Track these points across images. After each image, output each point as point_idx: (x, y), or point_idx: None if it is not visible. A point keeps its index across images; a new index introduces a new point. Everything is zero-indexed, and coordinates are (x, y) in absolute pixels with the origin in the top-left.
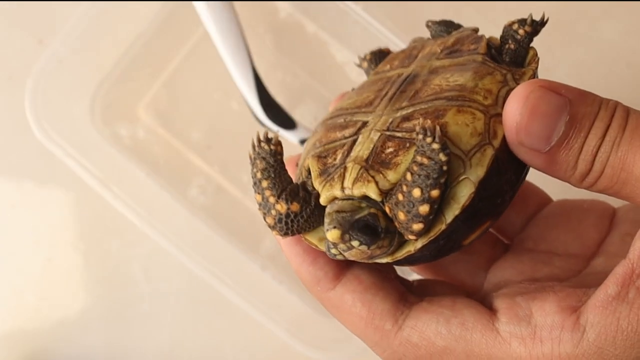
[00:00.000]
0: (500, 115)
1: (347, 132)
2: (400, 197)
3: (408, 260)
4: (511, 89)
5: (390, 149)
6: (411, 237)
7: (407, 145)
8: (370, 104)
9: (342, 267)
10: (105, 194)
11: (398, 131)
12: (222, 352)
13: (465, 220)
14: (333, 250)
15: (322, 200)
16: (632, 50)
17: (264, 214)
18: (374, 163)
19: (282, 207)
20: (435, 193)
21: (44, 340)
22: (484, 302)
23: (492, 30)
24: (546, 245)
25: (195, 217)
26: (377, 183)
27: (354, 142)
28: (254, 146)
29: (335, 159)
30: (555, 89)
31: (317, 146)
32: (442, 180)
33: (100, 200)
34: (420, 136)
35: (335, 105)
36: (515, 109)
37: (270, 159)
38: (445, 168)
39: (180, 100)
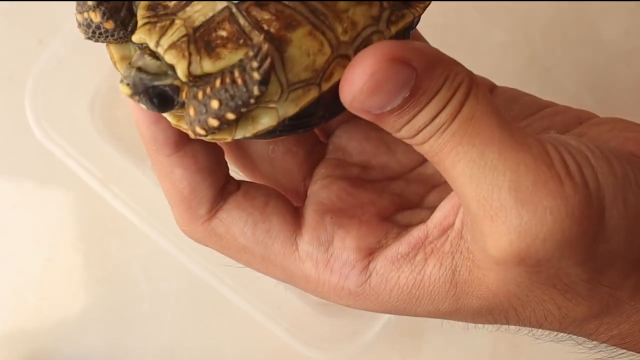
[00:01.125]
0: (347, 59)
1: None
2: (200, 95)
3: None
4: (378, 32)
5: (224, 33)
6: (190, 134)
7: (241, 42)
8: None
9: (185, 138)
10: (105, 194)
11: (243, 16)
12: (222, 352)
13: (261, 137)
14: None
15: (134, 39)
16: (632, 50)
17: (77, 9)
18: (200, 39)
19: (95, 17)
20: (230, 116)
21: (44, 340)
22: (303, 198)
23: (493, 30)
24: (360, 157)
25: None
26: (190, 64)
27: None
28: None
29: None
30: (406, 60)
31: None
32: (244, 110)
33: (100, 200)
34: (251, 53)
35: None
36: (357, 84)
37: None
38: (253, 101)
39: None
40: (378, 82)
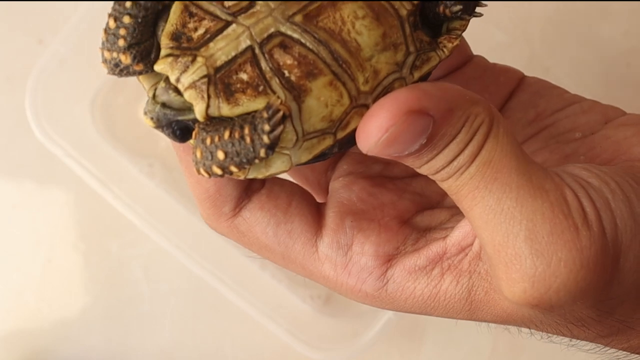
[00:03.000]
0: (366, 108)
1: (229, 4)
2: (209, 141)
3: None
4: (400, 79)
5: (244, 77)
6: (195, 171)
7: (261, 89)
8: None
9: None
10: (105, 194)
11: (265, 59)
12: (222, 352)
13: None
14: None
15: (156, 68)
16: (632, 50)
17: (105, 45)
18: (221, 81)
19: (125, 59)
20: (234, 169)
21: (44, 340)
22: (325, 190)
23: (493, 30)
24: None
25: (196, 217)
26: (208, 106)
27: (225, 27)
28: None
29: (196, 30)
30: (423, 110)
31: None
32: (248, 167)
33: (100, 200)
34: (265, 115)
35: None
36: (373, 138)
37: (149, 2)
38: (257, 162)
39: None
40: (394, 136)
